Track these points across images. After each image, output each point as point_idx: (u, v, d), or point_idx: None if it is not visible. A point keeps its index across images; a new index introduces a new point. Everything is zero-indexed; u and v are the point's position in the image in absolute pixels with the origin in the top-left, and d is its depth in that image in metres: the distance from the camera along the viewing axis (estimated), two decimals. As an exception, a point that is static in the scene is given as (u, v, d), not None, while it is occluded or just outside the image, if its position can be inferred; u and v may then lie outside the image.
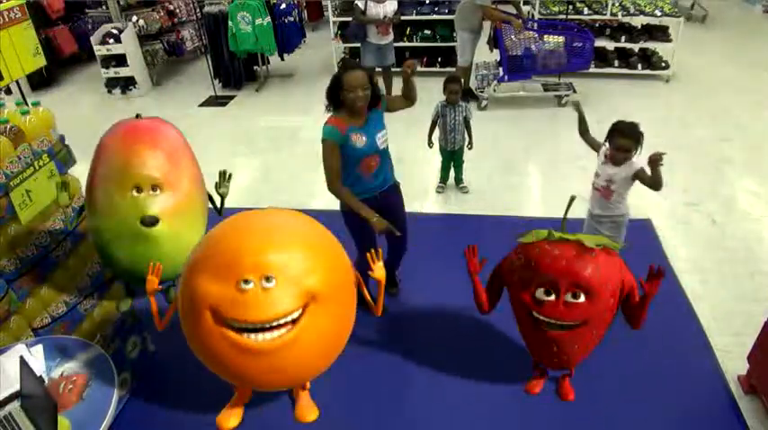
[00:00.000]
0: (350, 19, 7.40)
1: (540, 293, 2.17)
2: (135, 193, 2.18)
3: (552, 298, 2.15)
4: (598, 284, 2.11)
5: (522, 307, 2.29)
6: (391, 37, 5.96)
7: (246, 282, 1.77)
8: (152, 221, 2.19)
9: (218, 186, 2.75)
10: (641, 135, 2.77)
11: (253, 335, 1.80)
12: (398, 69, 6.85)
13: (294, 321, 1.83)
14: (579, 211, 3.22)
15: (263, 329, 1.80)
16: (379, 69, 6.08)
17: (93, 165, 2.31)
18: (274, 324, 1.80)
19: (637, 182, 2.83)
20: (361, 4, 5.62)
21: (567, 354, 2.30)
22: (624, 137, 2.75)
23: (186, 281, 1.93)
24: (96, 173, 2.29)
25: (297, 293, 1.81)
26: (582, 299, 2.11)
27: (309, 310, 1.85)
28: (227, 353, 1.84)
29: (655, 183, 2.72)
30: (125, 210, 2.19)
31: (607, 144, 2.86)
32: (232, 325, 1.81)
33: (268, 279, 1.78)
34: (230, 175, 2.78)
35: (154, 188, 2.20)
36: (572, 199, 2.33)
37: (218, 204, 2.76)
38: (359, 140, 2.73)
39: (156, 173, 2.20)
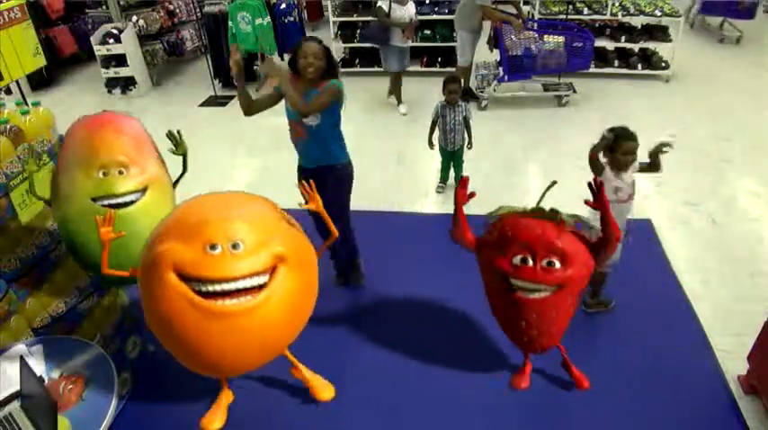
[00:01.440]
0: (351, 19, 7.43)
1: (516, 260, 2.21)
2: (101, 175, 2.20)
3: (529, 264, 2.19)
4: (572, 252, 2.18)
5: (497, 277, 2.30)
6: (411, 40, 5.90)
7: (213, 247, 1.75)
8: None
9: (174, 150, 2.69)
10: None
11: (220, 301, 1.75)
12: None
13: (261, 287, 1.81)
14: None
15: (230, 294, 1.76)
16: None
17: (59, 158, 2.34)
18: (240, 287, 1.77)
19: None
20: (384, 6, 5.54)
21: (541, 327, 2.30)
22: (631, 139, 2.80)
23: (149, 248, 1.88)
24: (61, 163, 2.31)
25: (265, 256, 1.80)
26: (557, 265, 2.16)
27: (278, 273, 1.83)
28: (192, 320, 1.77)
29: (656, 165, 2.84)
30: (92, 192, 2.20)
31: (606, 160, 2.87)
32: (198, 289, 1.76)
33: (235, 245, 1.76)
34: (179, 131, 2.70)
35: (120, 172, 2.23)
36: (553, 183, 2.38)
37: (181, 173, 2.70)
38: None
39: (122, 156, 2.25)
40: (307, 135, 2.99)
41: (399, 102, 6.28)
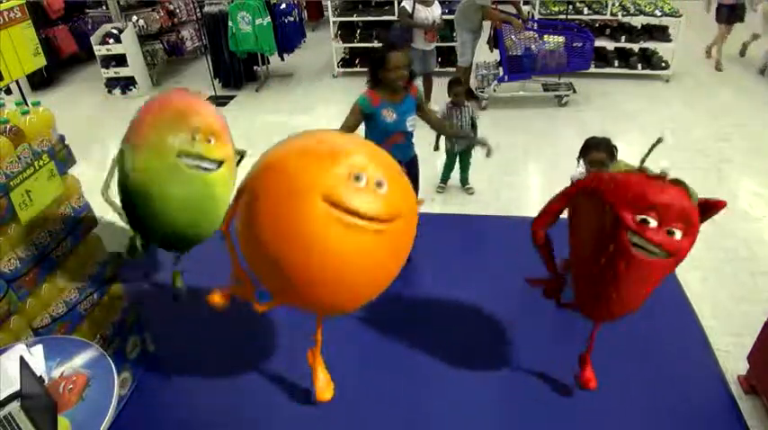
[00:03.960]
0: (351, 19, 7.43)
1: (638, 219, 2.08)
2: (191, 139, 2.33)
3: (651, 225, 2.07)
4: (695, 224, 2.11)
5: (607, 226, 2.13)
6: (435, 43, 5.83)
7: (358, 178, 1.78)
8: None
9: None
10: (615, 149, 2.81)
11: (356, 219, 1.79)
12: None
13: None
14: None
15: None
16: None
17: (143, 112, 2.43)
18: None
19: None
20: (408, 7, 5.49)
21: (621, 290, 2.18)
22: (598, 150, 2.78)
23: (282, 160, 1.92)
24: (147, 118, 2.40)
25: (399, 206, 1.88)
26: (678, 236, 2.07)
27: (396, 222, 1.89)
28: (324, 228, 1.77)
29: None
30: (179, 148, 2.31)
31: (580, 162, 2.86)
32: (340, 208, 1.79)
33: (379, 184, 1.81)
34: (244, 152, 2.83)
35: (209, 140, 2.35)
36: (659, 140, 2.25)
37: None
38: (389, 116, 2.99)
39: (216, 125, 2.40)
40: (406, 139, 3.14)
41: None
